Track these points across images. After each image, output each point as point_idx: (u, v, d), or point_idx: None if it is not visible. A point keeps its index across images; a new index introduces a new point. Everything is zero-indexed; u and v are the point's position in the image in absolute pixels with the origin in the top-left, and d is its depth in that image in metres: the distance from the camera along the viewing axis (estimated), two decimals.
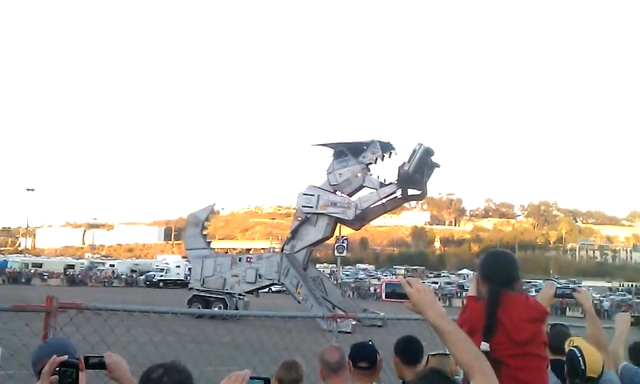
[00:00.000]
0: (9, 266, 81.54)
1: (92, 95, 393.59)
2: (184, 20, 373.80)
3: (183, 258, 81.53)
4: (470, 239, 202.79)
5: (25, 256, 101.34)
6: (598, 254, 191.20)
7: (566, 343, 4.55)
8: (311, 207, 38.83)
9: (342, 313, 26.81)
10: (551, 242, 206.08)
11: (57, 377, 2.50)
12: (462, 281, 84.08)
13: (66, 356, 2.59)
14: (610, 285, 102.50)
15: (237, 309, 34.86)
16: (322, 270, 58.49)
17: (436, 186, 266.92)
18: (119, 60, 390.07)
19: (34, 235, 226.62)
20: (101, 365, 3.06)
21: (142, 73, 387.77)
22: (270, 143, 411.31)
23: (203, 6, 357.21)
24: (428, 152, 36.83)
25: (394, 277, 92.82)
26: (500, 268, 3.52)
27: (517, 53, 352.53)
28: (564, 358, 4.48)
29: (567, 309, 53.15)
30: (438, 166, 38.04)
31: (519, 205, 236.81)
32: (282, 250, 40.58)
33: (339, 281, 60.40)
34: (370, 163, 38.79)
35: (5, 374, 4.70)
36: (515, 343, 3.26)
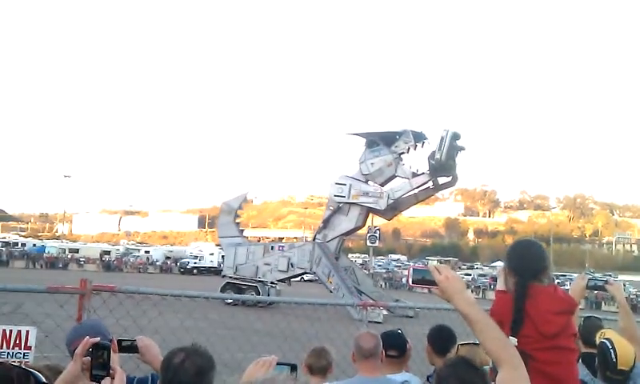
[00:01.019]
0: (46, 251, 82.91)
1: (127, 83, 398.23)
2: (215, 5, 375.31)
3: (217, 245, 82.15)
4: (504, 231, 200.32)
5: (62, 242, 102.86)
6: (635, 247, 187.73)
7: (597, 335, 4.50)
8: (343, 197, 38.78)
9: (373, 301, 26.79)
10: (587, 235, 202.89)
11: (89, 358, 2.54)
12: (496, 273, 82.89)
13: (99, 338, 2.63)
14: None
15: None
16: (354, 259, 58.49)
17: (470, 176, 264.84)
18: (152, 47, 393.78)
19: (71, 221, 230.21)
20: (133, 348, 3.10)
21: (176, 61, 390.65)
22: (303, 133, 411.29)
23: None
24: (455, 136, 36.31)
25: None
26: (527, 259, 3.44)
27: (551, 41, 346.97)
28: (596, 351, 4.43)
29: (603, 303, 52.30)
30: (463, 149, 37.51)
31: (555, 197, 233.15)
32: (314, 239, 40.66)
33: (371, 271, 60.32)
34: (403, 153, 38.52)
35: (40, 356, 4.81)
36: (544, 336, 3.20)
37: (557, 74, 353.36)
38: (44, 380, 1.99)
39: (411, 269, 2.99)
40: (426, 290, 3.17)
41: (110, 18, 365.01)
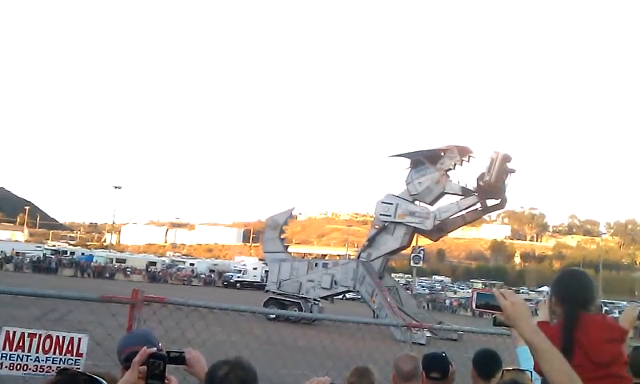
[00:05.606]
0: (94, 260, 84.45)
1: (176, 99, 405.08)
2: (281, 18, 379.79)
3: (260, 260, 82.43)
4: (551, 256, 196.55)
5: (110, 251, 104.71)
6: None
7: None
8: (389, 216, 38.52)
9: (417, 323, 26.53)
10: (638, 262, 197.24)
11: (145, 367, 2.59)
12: (542, 298, 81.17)
13: (155, 348, 2.69)
14: None
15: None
16: (397, 279, 58.10)
17: (518, 199, 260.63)
18: (199, 62, 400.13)
19: (119, 232, 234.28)
20: (181, 359, 3.16)
21: (225, 78, 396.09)
22: (349, 150, 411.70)
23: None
24: (505, 159, 36.00)
25: (469, 290, 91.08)
26: (577, 289, 3.35)
27: (603, 63, 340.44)
28: None
29: None
30: (513, 171, 37.01)
31: (605, 222, 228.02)
32: (359, 258, 40.48)
33: (414, 292, 59.75)
34: (449, 169, 38.21)
35: (91, 363, 4.93)
36: (597, 365, 3.12)
37: (607, 96, 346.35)
38: None
39: (475, 293, 2.94)
40: (470, 314, 3.08)
41: (165, 34, 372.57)
